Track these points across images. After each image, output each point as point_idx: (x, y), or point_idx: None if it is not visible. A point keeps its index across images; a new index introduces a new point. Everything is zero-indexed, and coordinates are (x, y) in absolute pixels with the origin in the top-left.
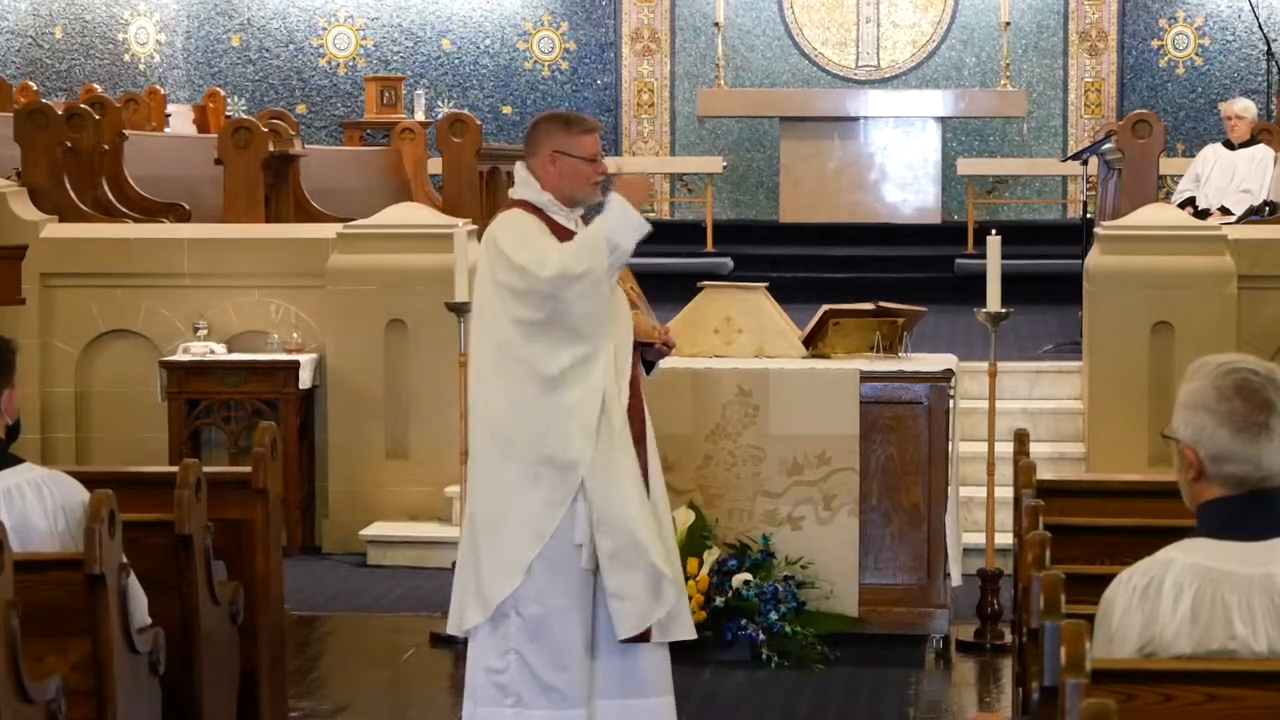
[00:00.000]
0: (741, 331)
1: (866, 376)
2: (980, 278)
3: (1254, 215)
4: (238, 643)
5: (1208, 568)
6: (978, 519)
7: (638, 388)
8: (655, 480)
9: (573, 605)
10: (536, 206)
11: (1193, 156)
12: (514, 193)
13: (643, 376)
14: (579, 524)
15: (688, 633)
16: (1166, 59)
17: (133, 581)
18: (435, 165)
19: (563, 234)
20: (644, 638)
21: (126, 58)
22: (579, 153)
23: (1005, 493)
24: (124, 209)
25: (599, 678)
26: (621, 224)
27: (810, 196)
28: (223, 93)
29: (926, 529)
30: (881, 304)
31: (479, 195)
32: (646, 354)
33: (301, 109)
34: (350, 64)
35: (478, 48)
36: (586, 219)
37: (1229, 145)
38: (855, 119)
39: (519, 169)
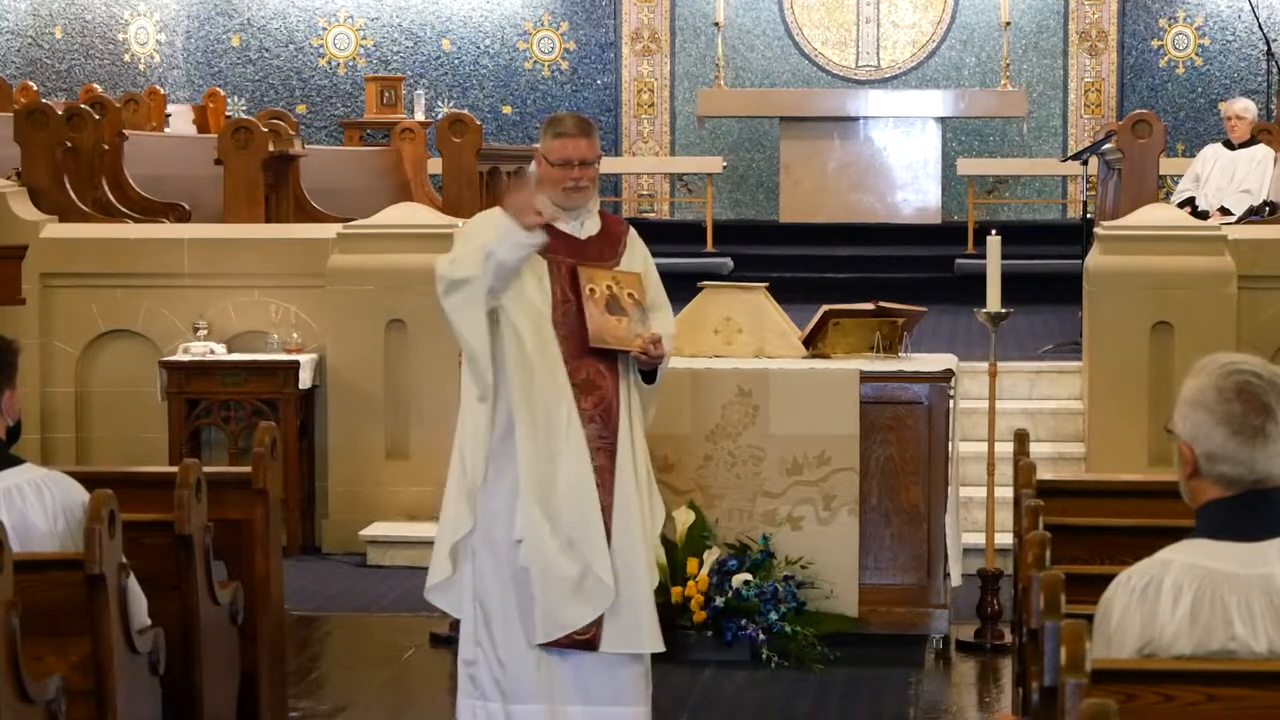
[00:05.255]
0: (741, 331)
1: (866, 376)
2: (980, 278)
3: (1254, 215)
4: (238, 643)
5: (1207, 568)
6: (978, 519)
7: (607, 392)
8: (642, 480)
9: (511, 600)
10: None
11: (1193, 156)
12: None
13: (635, 383)
14: (518, 520)
15: (645, 645)
16: (1166, 59)
17: (132, 582)
18: (435, 165)
19: (550, 235)
20: (590, 645)
21: (126, 58)
22: (549, 156)
23: (1005, 493)
24: (124, 209)
25: (561, 682)
26: (504, 236)
27: (810, 196)
28: (223, 93)
29: (926, 529)
30: (881, 304)
31: (479, 195)
32: (639, 363)
33: (301, 109)
34: (350, 64)
35: (478, 48)
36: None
37: (1229, 145)
38: (855, 119)
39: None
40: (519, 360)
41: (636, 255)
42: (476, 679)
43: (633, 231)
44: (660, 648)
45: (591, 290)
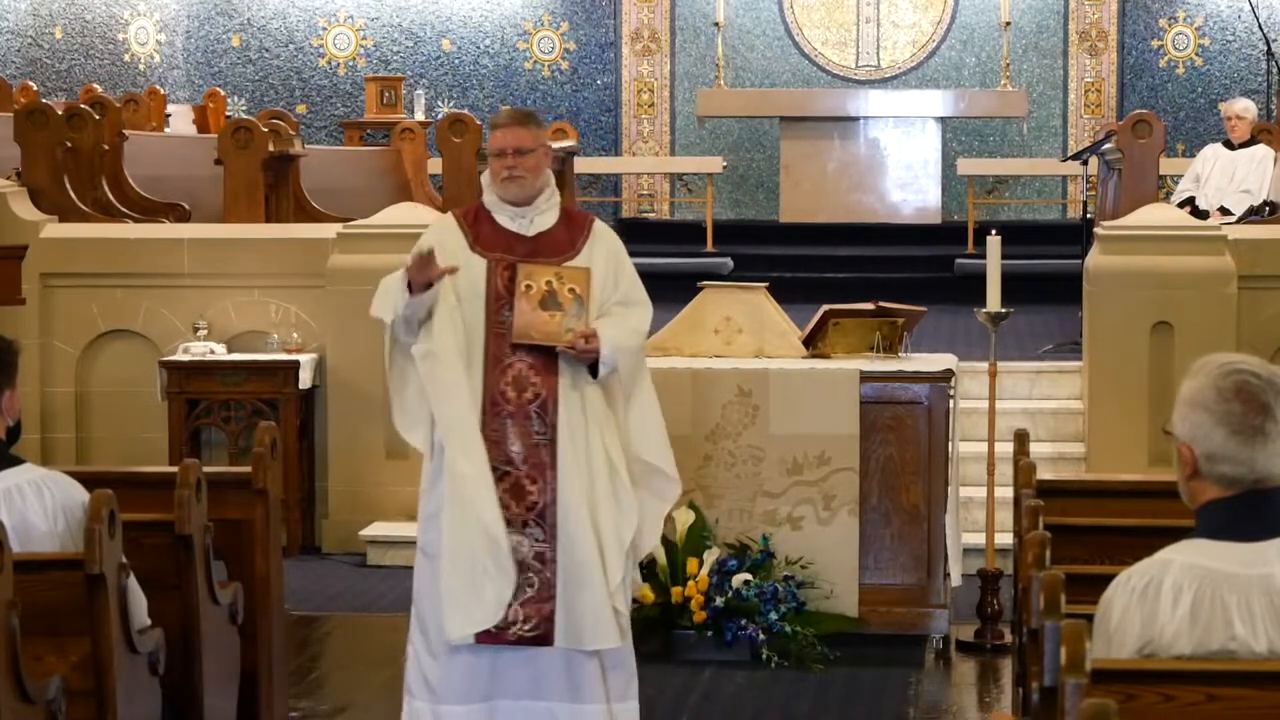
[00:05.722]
0: (741, 331)
1: (866, 376)
2: (980, 278)
3: (1254, 215)
4: (238, 643)
5: (1207, 568)
6: (978, 519)
7: (543, 387)
8: (600, 475)
9: (442, 602)
10: (485, 208)
11: (1193, 156)
12: None
13: (582, 376)
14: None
15: (593, 642)
16: (1166, 59)
17: (132, 582)
18: (435, 165)
19: (493, 232)
20: (543, 640)
21: (126, 58)
22: (488, 150)
23: (1005, 493)
24: (124, 209)
25: (513, 679)
26: (390, 286)
27: (810, 196)
28: (223, 93)
29: (926, 529)
30: (881, 304)
31: (479, 195)
32: (573, 357)
33: (301, 109)
34: (350, 64)
35: (478, 48)
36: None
37: (1229, 145)
38: (855, 119)
39: None
40: (428, 371)
41: (599, 250)
42: (412, 676)
43: (599, 227)
44: (611, 644)
45: (528, 287)
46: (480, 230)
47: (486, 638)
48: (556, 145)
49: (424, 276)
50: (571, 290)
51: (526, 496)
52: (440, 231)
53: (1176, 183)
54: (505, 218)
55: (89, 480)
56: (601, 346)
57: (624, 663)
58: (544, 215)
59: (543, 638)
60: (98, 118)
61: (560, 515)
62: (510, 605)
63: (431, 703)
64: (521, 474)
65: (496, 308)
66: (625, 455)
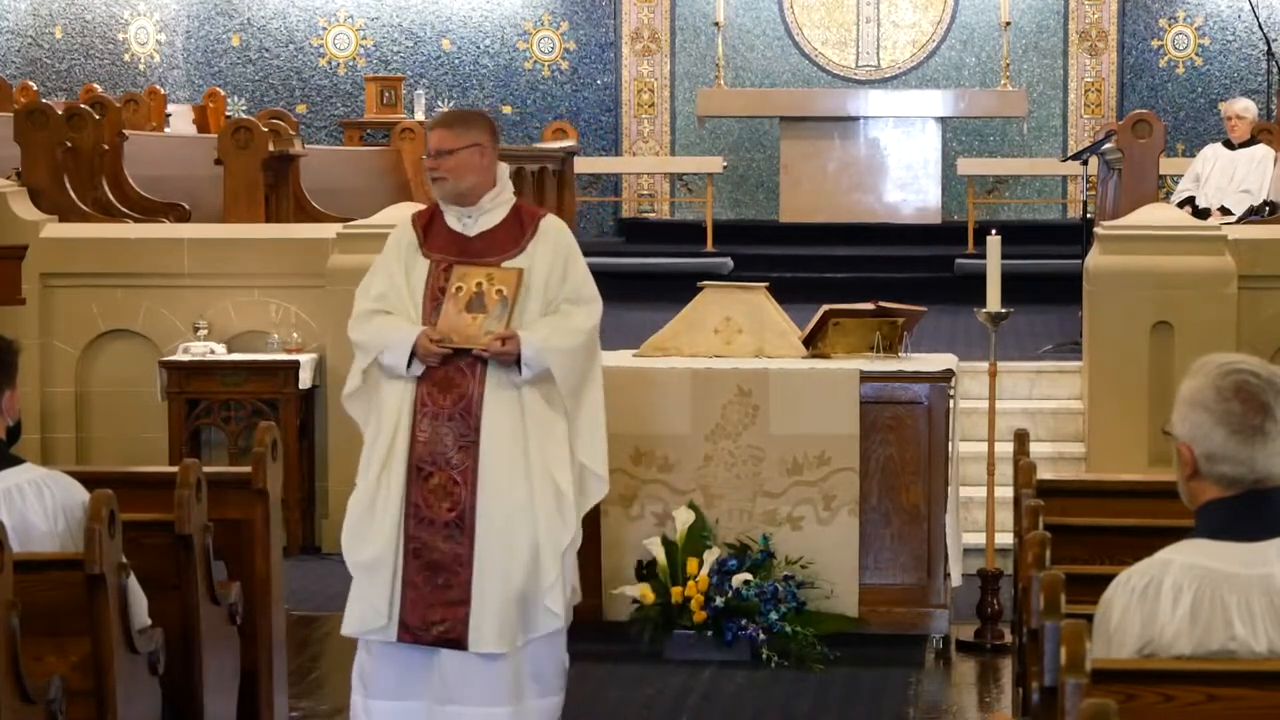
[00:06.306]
0: (741, 331)
1: (866, 376)
2: (980, 278)
3: (1254, 215)
4: (238, 643)
5: (1207, 568)
6: (978, 519)
7: (467, 389)
8: (536, 478)
9: None
10: (440, 207)
11: (1193, 156)
12: None
13: (514, 378)
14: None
15: (502, 645)
16: (1166, 59)
17: (132, 582)
18: None
19: (440, 233)
20: (458, 644)
21: (126, 58)
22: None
23: (1005, 493)
24: (124, 209)
25: (435, 680)
26: (396, 345)
27: (810, 196)
28: (223, 93)
29: (926, 529)
30: (881, 304)
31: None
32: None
33: (301, 109)
34: (350, 64)
35: (478, 48)
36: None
37: (1229, 145)
38: (855, 119)
39: None
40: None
41: (542, 248)
42: (355, 670)
43: (546, 224)
44: (500, 649)
45: (458, 289)
46: (430, 231)
47: (406, 636)
48: (556, 145)
49: (435, 361)
50: (499, 292)
51: (450, 497)
52: (398, 235)
53: (1176, 183)
54: (452, 218)
55: (89, 480)
56: (522, 349)
57: (549, 662)
58: (488, 215)
59: (457, 640)
60: (98, 118)
61: (480, 519)
62: (433, 607)
63: (365, 696)
64: (448, 475)
65: (432, 309)
66: (571, 457)
